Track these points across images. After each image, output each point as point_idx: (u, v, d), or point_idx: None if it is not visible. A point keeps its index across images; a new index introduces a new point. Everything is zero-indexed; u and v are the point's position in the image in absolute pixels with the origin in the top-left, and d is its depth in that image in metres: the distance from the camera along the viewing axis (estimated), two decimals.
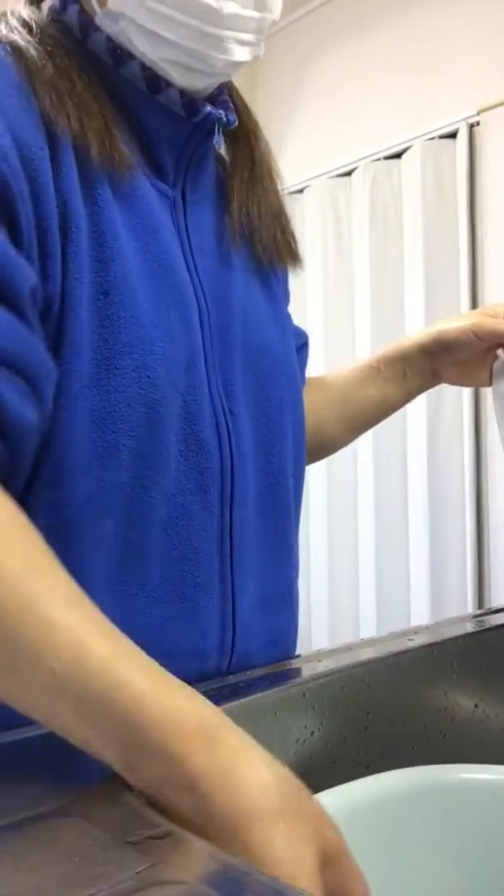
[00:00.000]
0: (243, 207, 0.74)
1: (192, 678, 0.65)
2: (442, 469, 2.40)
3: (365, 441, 2.48)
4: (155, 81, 0.66)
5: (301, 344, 0.88)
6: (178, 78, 0.66)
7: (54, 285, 0.58)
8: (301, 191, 2.79)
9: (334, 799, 0.51)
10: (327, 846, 0.39)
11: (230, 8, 0.62)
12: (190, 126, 0.68)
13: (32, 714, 0.45)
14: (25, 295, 0.56)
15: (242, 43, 0.65)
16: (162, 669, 0.45)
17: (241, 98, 0.79)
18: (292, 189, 2.79)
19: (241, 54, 0.66)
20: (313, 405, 0.85)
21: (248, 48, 0.66)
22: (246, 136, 0.77)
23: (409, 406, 2.63)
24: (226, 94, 0.74)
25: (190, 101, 0.67)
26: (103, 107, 0.63)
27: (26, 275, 0.56)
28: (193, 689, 0.44)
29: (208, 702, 0.44)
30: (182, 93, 0.66)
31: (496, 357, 0.84)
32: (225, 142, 0.77)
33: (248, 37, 0.65)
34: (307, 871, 0.37)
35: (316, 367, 3.04)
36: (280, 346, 0.76)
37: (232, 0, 0.62)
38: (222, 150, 0.76)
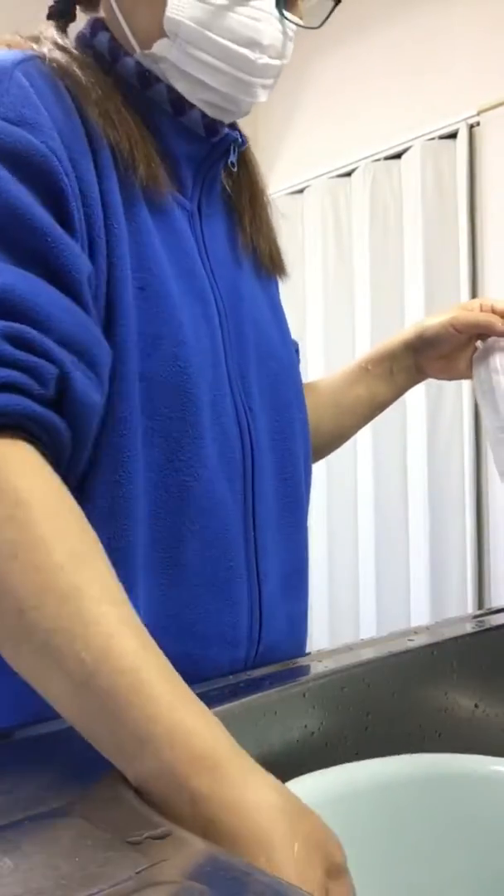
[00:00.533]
0: (253, 222, 0.81)
1: (224, 668, 0.69)
2: (442, 469, 2.40)
3: (365, 441, 2.48)
4: (179, 104, 0.71)
5: (294, 351, 0.93)
6: (210, 113, 0.72)
7: (101, 276, 0.62)
8: (301, 191, 2.79)
9: (338, 777, 0.51)
10: (332, 866, 0.40)
11: (263, 60, 0.69)
12: (209, 145, 0.74)
13: (50, 698, 0.46)
14: (83, 282, 0.59)
15: (265, 87, 0.72)
16: (183, 683, 0.45)
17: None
18: (292, 189, 2.80)
19: (263, 96, 0.73)
20: (308, 410, 0.89)
21: (268, 91, 0.73)
22: (247, 158, 0.84)
23: (408, 406, 2.63)
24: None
25: (210, 122, 0.73)
26: (143, 130, 0.69)
27: (83, 262, 0.60)
28: (211, 713, 0.45)
29: (222, 727, 0.44)
30: (203, 115, 0.72)
31: (475, 349, 0.89)
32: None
33: (270, 82, 0.72)
34: (315, 894, 0.38)
35: (316, 366, 3.03)
36: (284, 350, 0.82)
37: (260, 51, 0.68)
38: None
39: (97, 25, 0.73)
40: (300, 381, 0.85)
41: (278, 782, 0.42)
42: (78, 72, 0.66)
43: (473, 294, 2.39)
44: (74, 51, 0.69)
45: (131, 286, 0.64)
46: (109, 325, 0.63)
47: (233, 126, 0.77)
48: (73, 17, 0.76)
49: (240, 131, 0.79)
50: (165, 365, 0.65)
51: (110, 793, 0.43)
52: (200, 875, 0.35)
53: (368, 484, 2.53)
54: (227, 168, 0.78)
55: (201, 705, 0.45)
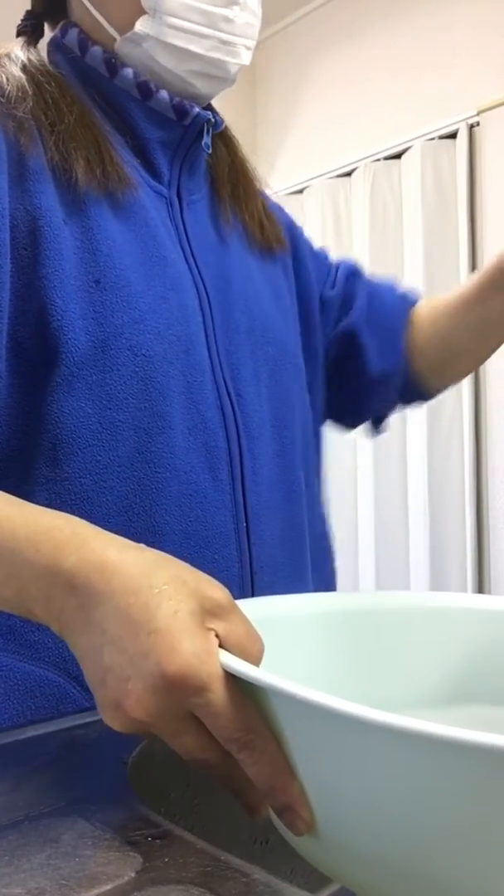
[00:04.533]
0: (235, 194, 0.80)
1: None
2: (442, 469, 2.40)
3: (364, 441, 2.48)
4: (146, 87, 0.71)
5: (297, 333, 0.88)
6: (202, 86, 0.73)
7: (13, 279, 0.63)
8: (301, 191, 2.79)
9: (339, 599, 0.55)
10: (206, 602, 0.41)
11: (241, 18, 0.70)
12: (181, 129, 0.73)
13: None
14: None
15: (248, 49, 0.73)
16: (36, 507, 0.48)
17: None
18: (292, 189, 2.80)
19: (246, 58, 0.73)
20: (432, 314, 0.87)
21: (250, 53, 0.74)
22: (224, 139, 0.82)
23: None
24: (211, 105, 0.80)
25: (179, 103, 0.72)
26: (95, 133, 0.69)
27: None
28: (70, 517, 0.47)
29: (84, 522, 0.46)
30: (172, 96, 0.72)
31: None
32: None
33: (251, 42, 0.73)
34: (181, 626, 0.38)
35: None
36: (285, 334, 0.79)
37: (239, 9, 0.70)
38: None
39: (66, 25, 0.75)
40: (301, 366, 0.82)
41: (142, 546, 0.45)
42: (13, 89, 0.66)
43: None
44: (40, 66, 0.70)
45: (83, 282, 0.64)
46: (44, 326, 0.62)
47: (209, 109, 0.77)
48: (41, 34, 0.77)
49: (214, 112, 0.78)
50: (122, 355, 0.64)
51: (110, 793, 0.43)
52: (200, 875, 0.35)
53: (368, 484, 2.53)
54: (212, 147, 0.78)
55: (66, 515, 0.47)
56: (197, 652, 0.38)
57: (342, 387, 0.89)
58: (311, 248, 0.91)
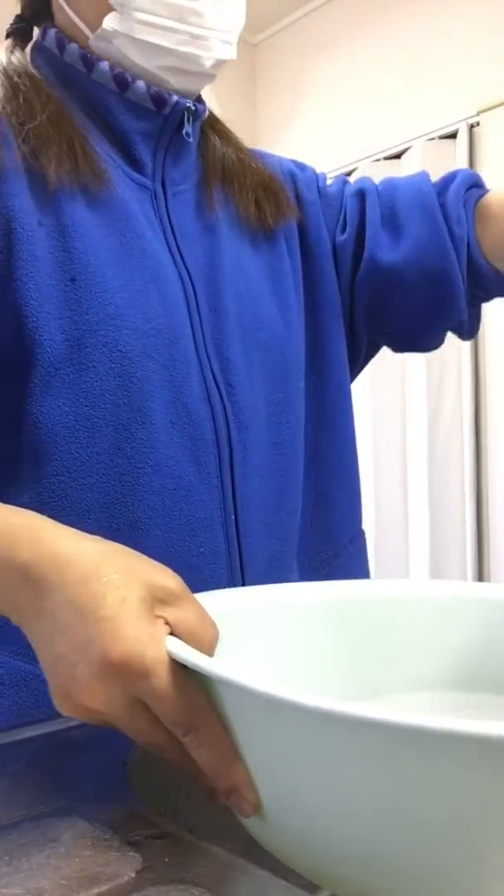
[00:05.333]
0: (225, 179, 0.79)
1: None
2: (442, 468, 2.40)
3: (364, 441, 2.48)
4: (122, 79, 0.71)
5: (354, 193, 0.84)
6: (175, 82, 0.71)
7: None
8: None
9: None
10: (156, 590, 0.41)
11: (211, 10, 0.69)
12: (161, 119, 0.72)
13: None
14: None
15: (224, 42, 0.71)
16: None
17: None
18: None
19: (224, 52, 0.71)
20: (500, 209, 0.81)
21: (230, 47, 0.72)
22: (219, 131, 0.82)
23: (408, 404, 2.62)
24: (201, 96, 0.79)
25: (157, 93, 0.71)
26: (68, 129, 0.68)
27: None
28: (36, 514, 0.48)
29: (45, 517, 0.47)
30: (149, 86, 0.71)
31: None
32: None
33: (229, 36, 0.71)
34: (128, 613, 0.39)
35: None
36: (280, 318, 0.77)
37: (209, 2, 0.69)
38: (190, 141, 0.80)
39: (46, 27, 0.75)
40: (299, 349, 0.79)
41: (98, 538, 0.46)
42: (4, 96, 0.68)
43: None
44: (20, 68, 0.71)
45: (59, 281, 0.64)
46: (20, 327, 0.63)
47: (198, 100, 0.76)
48: (30, 37, 0.77)
49: (198, 101, 0.76)
50: (97, 352, 0.64)
51: (110, 793, 0.43)
52: (200, 875, 0.35)
53: (369, 484, 2.53)
54: (203, 138, 0.77)
55: (19, 509, 0.48)
56: (141, 638, 0.38)
57: (400, 315, 0.83)
58: (319, 194, 0.86)
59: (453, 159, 2.42)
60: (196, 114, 0.75)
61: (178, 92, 0.72)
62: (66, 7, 0.72)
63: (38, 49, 0.75)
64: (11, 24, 0.78)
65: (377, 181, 0.89)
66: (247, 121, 2.96)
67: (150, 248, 0.69)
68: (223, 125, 0.82)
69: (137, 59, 0.69)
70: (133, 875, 0.34)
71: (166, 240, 0.72)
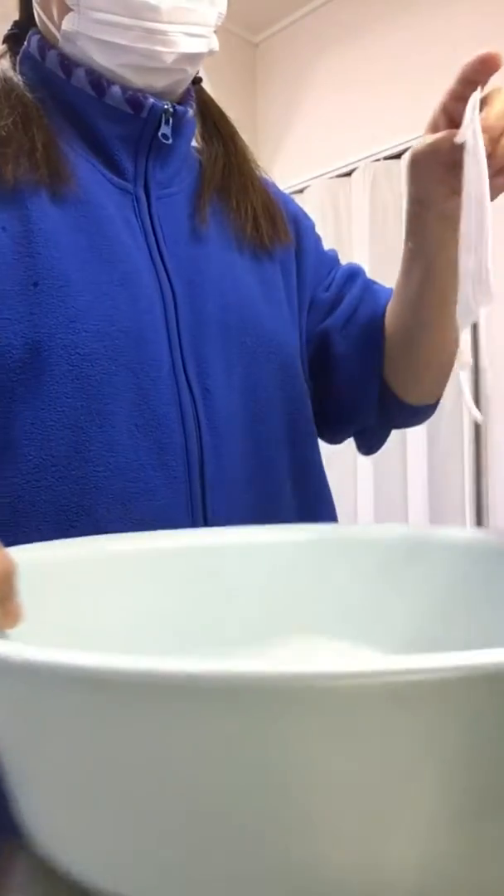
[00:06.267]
0: (222, 193, 0.78)
1: None
2: (442, 468, 2.40)
3: None
4: (99, 83, 0.70)
5: (348, 276, 0.86)
6: (137, 80, 0.70)
7: None
8: (301, 191, 2.79)
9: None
10: None
11: (168, 4, 0.67)
12: (140, 122, 0.72)
13: None
14: None
15: (191, 35, 0.69)
16: None
17: (216, 106, 0.83)
18: (292, 189, 2.80)
19: (190, 46, 0.69)
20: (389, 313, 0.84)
21: (199, 40, 0.70)
22: (220, 137, 0.81)
23: None
24: (192, 97, 0.78)
25: (132, 97, 0.71)
26: (34, 132, 0.68)
27: None
28: None
29: None
30: (125, 90, 0.70)
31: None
32: (200, 141, 0.81)
33: (197, 29, 0.69)
34: None
35: None
36: (271, 323, 0.76)
37: None
38: (184, 144, 0.79)
39: (32, 32, 0.75)
40: (293, 355, 0.78)
41: None
42: None
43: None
44: (8, 73, 0.71)
45: (21, 286, 0.64)
46: None
47: (186, 104, 0.75)
48: (23, 43, 0.77)
49: (187, 101, 0.76)
50: (55, 355, 0.64)
51: None
52: None
53: (368, 484, 2.53)
54: (205, 143, 0.77)
55: None
56: None
57: (317, 394, 0.84)
58: (317, 245, 0.88)
59: None
60: (175, 115, 0.74)
61: (150, 91, 0.71)
62: (37, 10, 0.72)
63: (25, 55, 0.75)
64: (8, 30, 0.78)
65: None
66: (247, 121, 2.96)
67: (123, 250, 0.69)
68: (230, 129, 0.81)
69: (99, 58, 0.69)
70: None
71: (147, 243, 0.71)
